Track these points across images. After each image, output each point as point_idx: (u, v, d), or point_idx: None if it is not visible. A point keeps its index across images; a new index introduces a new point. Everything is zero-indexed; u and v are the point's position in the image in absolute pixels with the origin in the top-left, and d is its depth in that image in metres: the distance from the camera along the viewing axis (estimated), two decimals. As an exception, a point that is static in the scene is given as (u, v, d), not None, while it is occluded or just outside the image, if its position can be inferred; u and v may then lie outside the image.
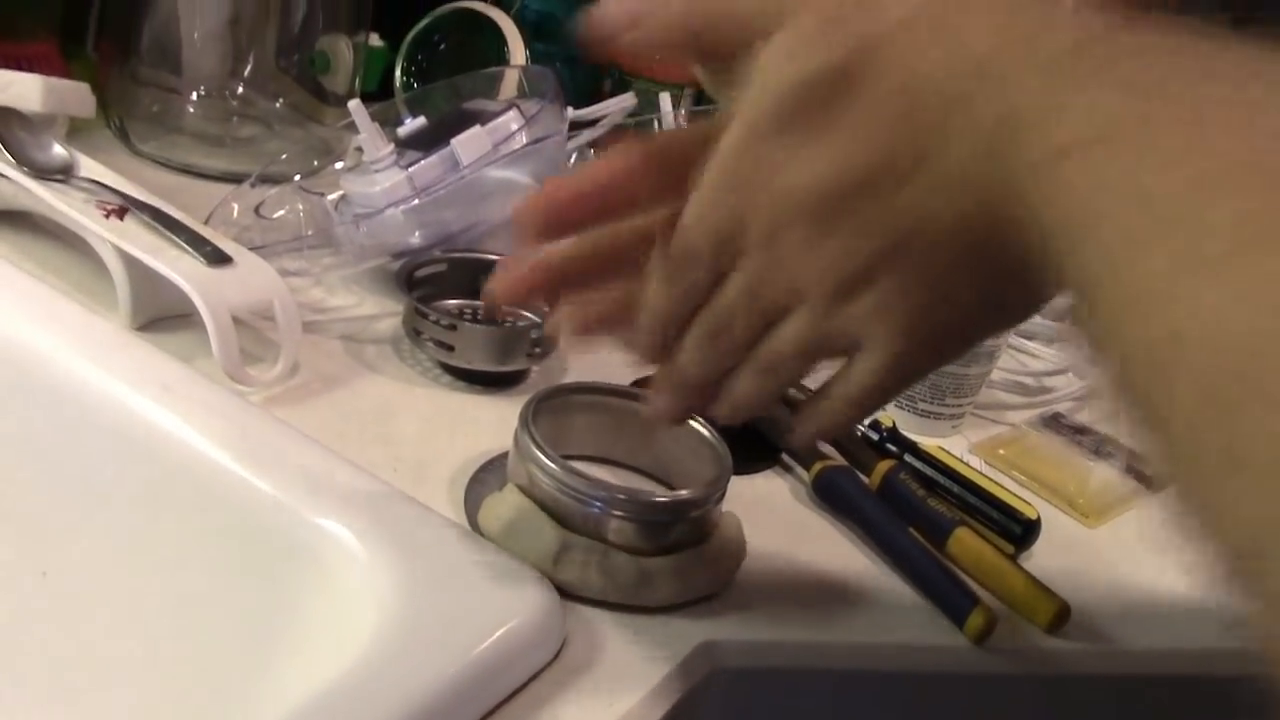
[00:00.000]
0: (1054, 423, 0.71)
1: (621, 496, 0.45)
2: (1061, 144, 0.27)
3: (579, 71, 0.95)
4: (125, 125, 0.77)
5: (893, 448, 0.60)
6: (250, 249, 0.59)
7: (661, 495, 0.48)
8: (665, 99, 0.82)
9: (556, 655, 0.42)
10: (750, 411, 0.39)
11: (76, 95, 0.67)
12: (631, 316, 0.39)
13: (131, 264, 0.55)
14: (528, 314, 0.63)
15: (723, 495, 0.48)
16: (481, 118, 0.67)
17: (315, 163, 0.76)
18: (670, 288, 0.37)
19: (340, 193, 0.70)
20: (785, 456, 0.59)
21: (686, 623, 0.46)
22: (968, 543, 0.53)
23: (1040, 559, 0.56)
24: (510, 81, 0.77)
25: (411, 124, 0.70)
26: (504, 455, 0.50)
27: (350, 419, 0.54)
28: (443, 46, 0.90)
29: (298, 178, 0.72)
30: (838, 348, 0.36)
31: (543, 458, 0.46)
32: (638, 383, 0.56)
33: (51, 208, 0.57)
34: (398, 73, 0.90)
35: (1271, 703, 0.19)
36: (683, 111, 0.88)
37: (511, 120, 0.66)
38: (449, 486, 0.50)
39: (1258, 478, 0.20)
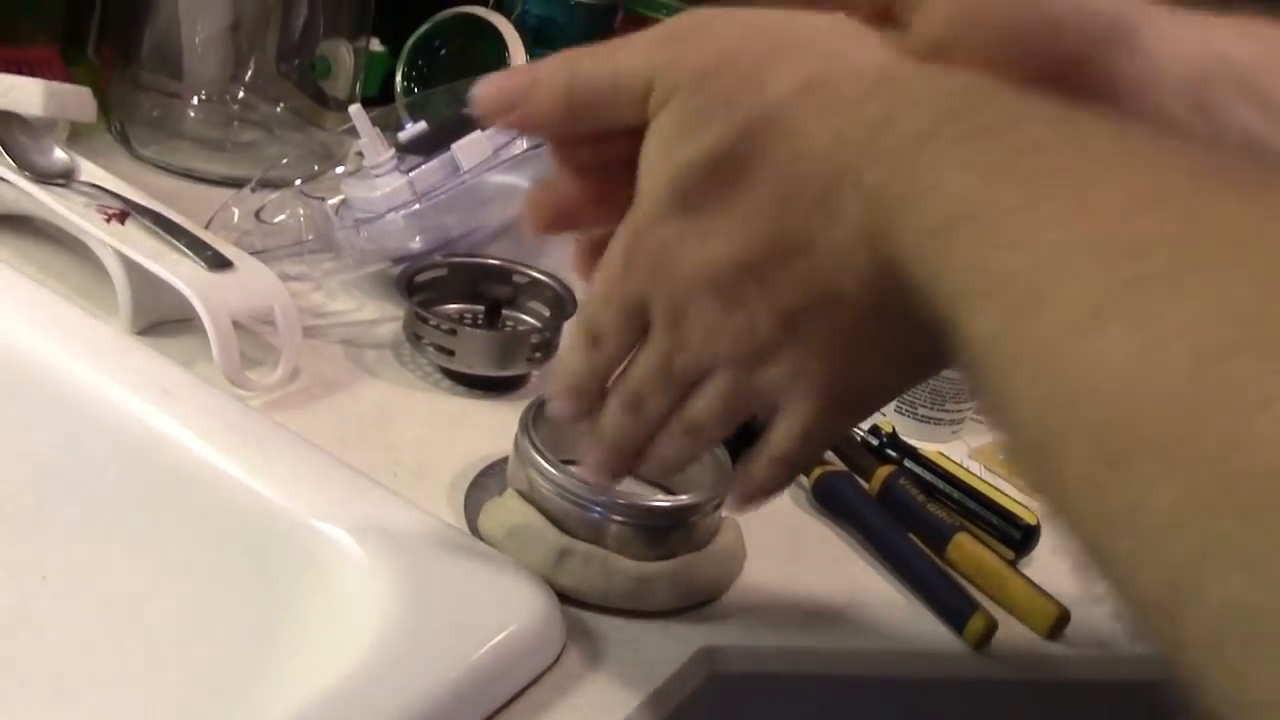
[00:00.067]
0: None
1: (621, 502, 0.45)
2: (928, 225, 0.27)
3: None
4: (126, 130, 0.77)
5: (892, 453, 0.60)
6: (251, 253, 0.59)
7: (661, 500, 0.48)
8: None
9: (556, 660, 0.42)
10: (679, 469, 0.40)
11: (77, 100, 0.67)
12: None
13: (132, 268, 0.55)
14: (528, 319, 0.63)
15: (722, 501, 0.48)
16: (482, 123, 0.67)
17: (316, 167, 0.76)
18: (583, 359, 0.38)
19: (341, 197, 0.70)
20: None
21: (686, 628, 0.46)
22: (967, 548, 0.53)
23: (1040, 564, 0.56)
24: (511, 86, 0.77)
25: (412, 129, 0.70)
26: (504, 460, 0.50)
27: (350, 423, 0.54)
28: (444, 51, 0.90)
29: (298, 182, 0.72)
30: (757, 408, 0.36)
31: (543, 463, 0.46)
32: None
33: (52, 212, 0.57)
34: (398, 77, 0.90)
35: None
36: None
37: (512, 125, 0.66)
38: (449, 491, 0.51)
39: (1151, 535, 0.20)
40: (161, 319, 0.57)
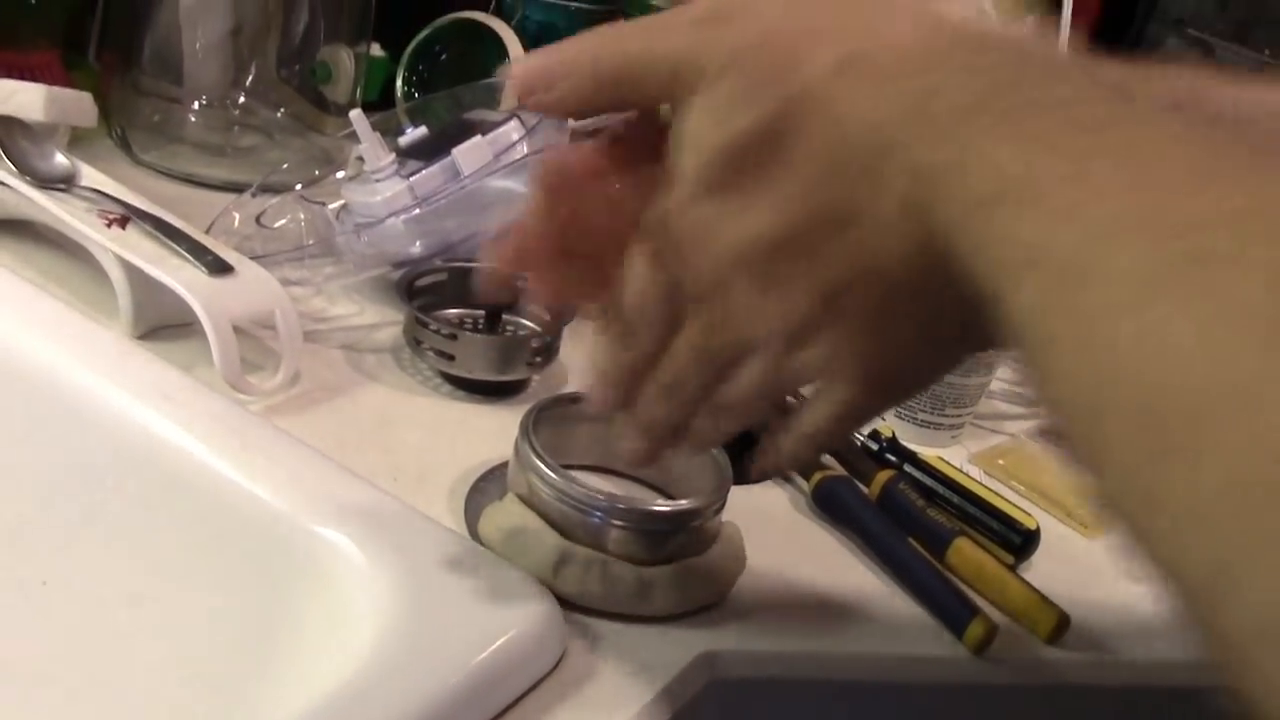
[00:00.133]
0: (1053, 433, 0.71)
1: (622, 506, 0.45)
2: (974, 197, 0.27)
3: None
4: (127, 134, 0.77)
5: (892, 458, 0.60)
6: (251, 258, 0.59)
7: (662, 505, 0.48)
8: (665, 109, 0.82)
9: (556, 665, 0.42)
10: (718, 445, 0.40)
11: (78, 105, 0.67)
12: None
13: (133, 273, 0.55)
14: (528, 323, 0.63)
15: (723, 505, 0.48)
16: (482, 128, 0.67)
17: (316, 172, 0.76)
18: (621, 352, 0.38)
19: (341, 202, 0.70)
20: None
21: (686, 633, 0.46)
22: (967, 553, 0.53)
23: (1040, 569, 0.56)
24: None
25: (412, 134, 0.70)
26: (504, 465, 0.51)
27: (350, 428, 0.54)
28: (444, 57, 0.90)
29: (299, 187, 0.72)
30: (796, 387, 0.36)
31: (543, 467, 0.46)
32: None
33: (53, 217, 0.57)
34: (399, 83, 0.90)
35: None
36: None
37: (512, 130, 0.66)
38: (449, 496, 0.51)
39: (1195, 519, 0.20)
40: (162, 324, 0.57)
